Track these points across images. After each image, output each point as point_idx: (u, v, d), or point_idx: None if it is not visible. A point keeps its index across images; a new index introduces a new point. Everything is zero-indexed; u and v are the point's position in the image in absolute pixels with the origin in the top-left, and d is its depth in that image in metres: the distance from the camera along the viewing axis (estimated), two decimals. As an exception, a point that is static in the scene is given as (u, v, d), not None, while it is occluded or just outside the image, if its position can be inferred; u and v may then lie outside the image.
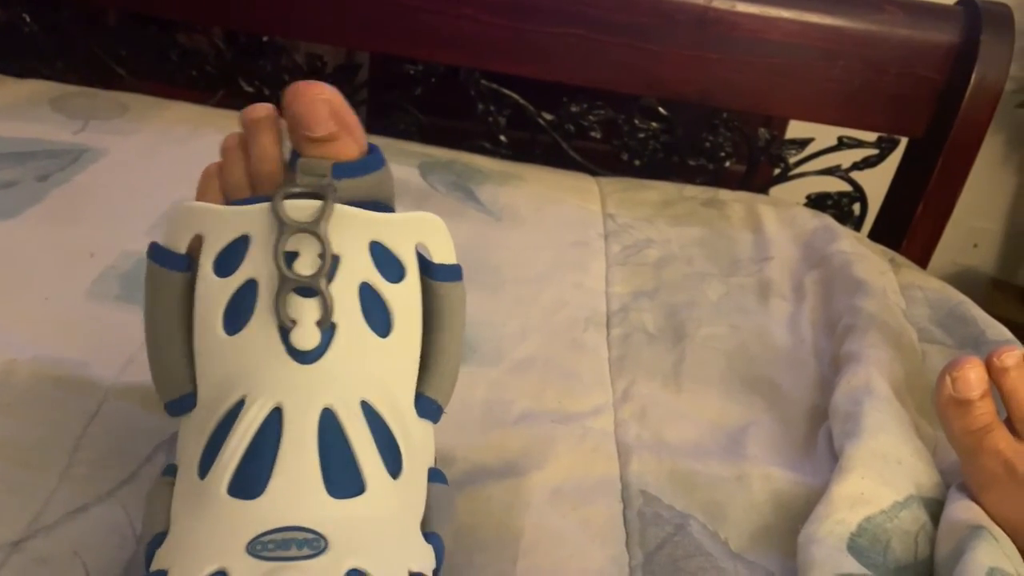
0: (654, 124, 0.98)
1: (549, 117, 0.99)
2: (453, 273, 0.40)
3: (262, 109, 0.40)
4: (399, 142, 0.90)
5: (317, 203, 0.36)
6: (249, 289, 0.36)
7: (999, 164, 1.77)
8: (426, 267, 0.39)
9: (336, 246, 0.36)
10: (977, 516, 0.45)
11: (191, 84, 1.01)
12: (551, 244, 0.75)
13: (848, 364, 0.58)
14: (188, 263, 0.38)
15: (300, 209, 0.36)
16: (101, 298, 0.58)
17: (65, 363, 0.52)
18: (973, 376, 0.47)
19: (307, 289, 0.35)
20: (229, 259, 0.37)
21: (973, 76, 0.86)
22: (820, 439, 0.55)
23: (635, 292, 0.70)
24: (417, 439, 0.38)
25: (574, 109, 0.98)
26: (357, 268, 0.37)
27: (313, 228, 0.35)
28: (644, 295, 0.70)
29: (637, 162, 0.99)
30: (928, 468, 0.50)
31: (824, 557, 0.44)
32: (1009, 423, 0.48)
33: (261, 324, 0.36)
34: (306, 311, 0.35)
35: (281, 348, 0.35)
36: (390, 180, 0.41)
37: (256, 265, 0.36)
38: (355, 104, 1.05)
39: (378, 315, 0.37)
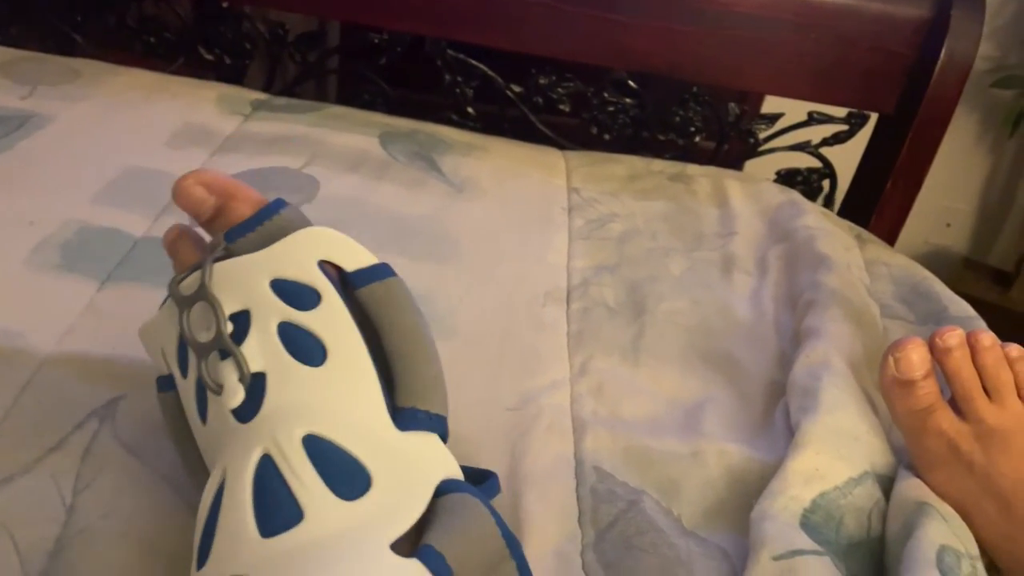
0: (627, 100, 0.96)
1: (517, 89, 0.97)
2: (373, 274, 0.38)
3: (172, 231, 0.43)
4: (362, 112, 0.88)
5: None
6: (201, 382, 0.37)
7: (972, 144, 1.77)
8: (345, 280, 0.38)
9: (240, 300, 0.37)
10: (925, 494, 0.45)
11: (150, 52, 0.99)
12: (513, 217, 0.73)
13: (808, 339, 0.57)
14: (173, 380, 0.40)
15: (192, 284, 0.38)
16: (40, 267, 0.56)
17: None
18: (916, 357, 0.46)
19: (226, 352, 0.36)
20: (183, 359, 0.39)
21: (943, 51, 0.85)
22: (777, 415, 0.54)
23: (597, 266, 0.69)
24: (403, 454, 0.36)
25: (543, 81, 0.96)
26: (268, 312, 0.37)
27: (200, 294, 0.37)
28: (606, 269, 0.68)
29: (607, 136, 0.98)
30: (884, 446, 0.50)
31: (776, 533, 0.43)
32: (953, 403, 0.47)
33: (214, 402, 0.37)
34: (228, 372, 0.36)
35: (229, 416, 0.36)
36: (300, 218, 0.40)
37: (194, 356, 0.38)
38: (325, 73, 1.03)
39: (308, 347, 0.36)
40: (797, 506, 0.44)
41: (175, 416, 0.40)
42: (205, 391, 0.37)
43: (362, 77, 0.99)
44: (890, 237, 0.92)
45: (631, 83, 0.96)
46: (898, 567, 0.41)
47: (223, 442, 0.36)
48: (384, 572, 0.31)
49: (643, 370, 0.58)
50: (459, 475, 0.38)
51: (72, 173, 0.66)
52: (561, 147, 0.93)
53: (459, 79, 0.97)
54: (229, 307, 0.37)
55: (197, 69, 0.98)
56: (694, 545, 0.45)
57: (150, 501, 0.42)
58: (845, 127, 0.95)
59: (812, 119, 0.95)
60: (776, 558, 0.42)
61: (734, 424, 0.54)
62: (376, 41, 0.96)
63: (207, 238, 0.42)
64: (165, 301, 0.41)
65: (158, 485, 0.43)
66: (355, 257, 0.38)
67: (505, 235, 0.71)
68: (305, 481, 0.33)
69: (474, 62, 0.96)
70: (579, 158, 0.87)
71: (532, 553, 0.44)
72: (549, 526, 0.46)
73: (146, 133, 0.73)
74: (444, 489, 0.36)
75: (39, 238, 0.58)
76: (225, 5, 0.95)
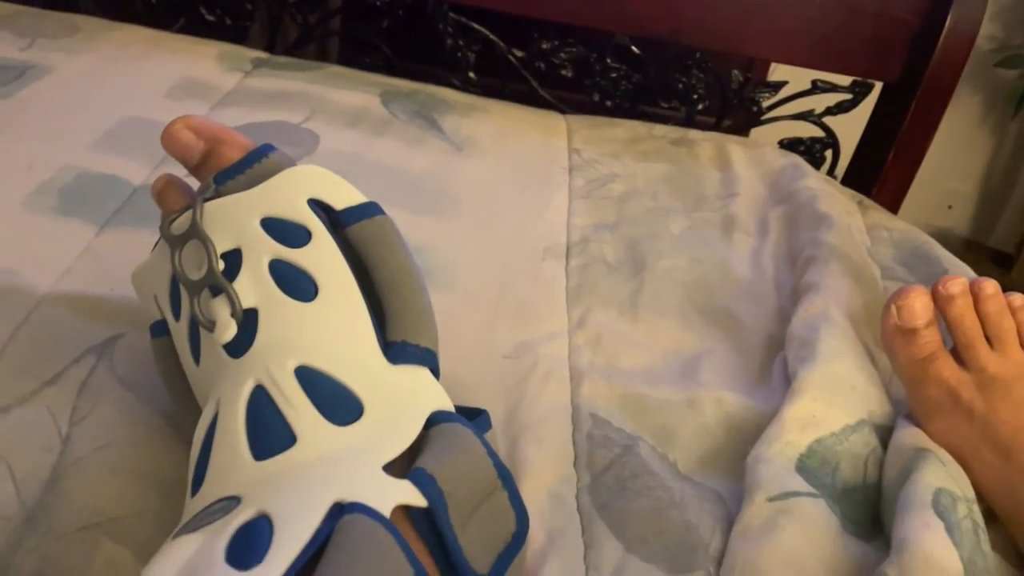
0: (627, 65, 0.96)
1: (519, 54, 0.96)
2: (362, 212, 0.39)
3: (159, 181, 0.42)
4: (363, 73, 0.88)
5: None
6: (194, 319, 0.38)
7: (976, 125, 1.76)
8: (334, 219, 0.38)
9: (231, 239, 0.37)
10: (924, 441, 0.45)
11: (150, 12, 0.98)
12: (513, 175, 0.73)
13: (807, 293, 0.57)
14: (167, 325, 0.40)
15: (183, 223, 0.38)
16: (38, 209, 0.56)
17: (-5, 272, 0.50)
18: (919, 305, 0.46)
19: (218, 288, 0.36)
20: (175, 301, 0.39)
21: (949, 19, 0.85)
22: (775, 368, 0.54)
23: (596, 224, 0.69)
24: (394, 385, 0.36)
25: (545, 46, 0.96)
26: (260, 250, 0.37)
27: (192, 232, 0.37)
28: (605, 227, 0.68)
29: (608, 103, 0.97)
30: (881, 396, 0.50)
31: (772, 476, 0.43)
32: (955, 352, 0.47)
33: (207, 342, 0.37)
34: (220, 308, 0.36)
35: (221, 351, 0.36)
36: (288, 162, 0.40)
37: (186, 295, 0.38)
38: (326, 35, 1.02)
39: (299, 283, 0.37)
40: (793, 451, 0.44)
41: (168, 362, 0.41)
42: (198, 332, 0.38)
43: (363, 41, 0.99)
44: (892, 207, 0.92)
45: (634, 49, 0.95)
46: (894, 510, 0.41)
47: (217, 379, 0.36)
48: (376, 490, 0.31)
49: (641, 324, 0.58)
50: (451, 408, 0.38)
51: (70, 121, 0.66)
52: (562, 113, 0.92)
53: (461, 43, 0.96)
54: (220, 246, 0.37)
55: (198, 30, 0.97)
56: (688, 488, 0.45)
57: (146, 433, 0.42)
58: (849, 96, 0.95)
59: (816, 87, 0.94)
60: (771, 499, 0.42)
61: (732, 375, 0.54)
62: (378, 3, 0.95)
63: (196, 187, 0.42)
64: (156, 244, 0.41)
65: (154, 418, 0.43)
66: (344, 195, 0.39)
67: (505, 192, 0.71)
68: (298, 407, 0.34)
69: (476, 25, 0.95)
70: (580, 121, 0.86)
71: (527, 495, 0.44)
72: (544, 469, 0.46)
73: (145, 85, 0.73)
74: (435, 420, 0.36)
75: (37, 182, 0.58)
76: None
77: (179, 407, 0.41)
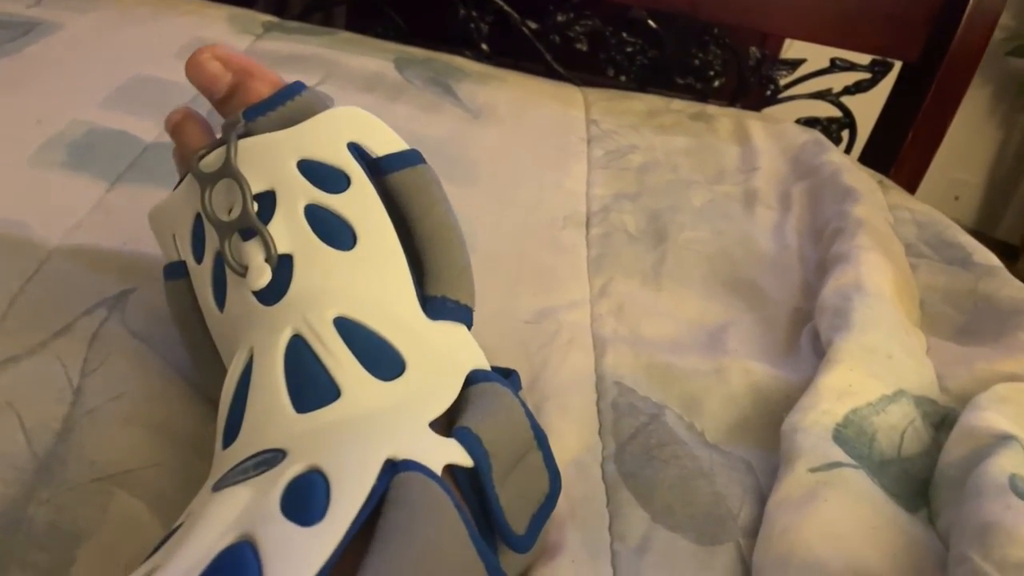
0: (642, 40, 0.94)
1: (534, 26, 0.95)
2: (404, 159, 0.37)
3: (177, 113, 0.40)
4: (376, 40, 0.86)
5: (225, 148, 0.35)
6: (219, 265, 0.36)
7: (984, 117, 1.75)
8: (374, 164, 0.36)
9: (265, 179, 0.35)
10: (1004, 425, 0.42)
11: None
12: (531, 144, 0.72)
13: (837, 263, 0.55)
14: (185, 267, 0.38)
15: (213, 161, 0.36)
16: (46, 164, 0.54)
17: (5, 224, 0.48)
18: None
19: (250, 231, 0.34)
20: (198, 242, 0.37)
21: (972, -2, 0.83)
22: (803, 339, 0.53)
23: (617, 194, 0.67)
24: (434, 341, 0.35)
25: (560, 18, 0.94)
26: (295, 193, 0.35)
27: (225, 171, 0.35)
28: (626, 198, 0.67)
29: (623, 78, 0.96)
30: (919, 367, 0.48)
31: (811, 446, 0.42)
32: None
33: (234, 285, 0.35)
34: (253, 252, 0.34)
35: (251, 298, 0.34)
36: (320, 103, 0.38)
37: (213, 234, 0.36)
38: (335, 4, 1.00)
39: (336, 230, 0.35)
40: (829, 420, 0.43)
41: (184, 305, 0.39)
42: (224, 276, 0.36)
43: (372, 11, 0.97)
44: (909, 189, 0.91)
45: (651, 22, 0.93)
46: (953, 492, 0.40)
47: (245, 326, 0.35)
48: (426, 448, 0.30)
49: (665, 294, 0.57)
50: (487, 367, 0.37)
51: (80, 78, 0.64)
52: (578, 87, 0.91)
53: (474, 14, 0.95)
54: (253, 186, 0.35)
55: (205, -3, 0.95)
56: (717, 457, 0.44)
57: (160, 385, 0.40)
58: (868, 75, 0.93)
59: (835, 66, 0.93)
60: (813, 470, 0.40)
61: (758, 346, 0.52)
62: (391, -30, 0.93)
63: (214, 125, 0.40)
64: (180, 183, 0.39)
65: (167, 370, 0.41)
66: (386, 141, 0.37)
67: (522, 161, 0.69)
68: (340, 359, 0.32)
69: (491, -5, 0.94)
70: (597, 93, 0.85)
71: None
72: (569, 437, 0.44)
73: (155, 44, 0.71)
74: (474, 378, 0.35)
75: (46, 136, 0.56)
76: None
77: (193, 352, 0.39)
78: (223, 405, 0.33)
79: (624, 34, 0.94)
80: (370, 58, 0.78)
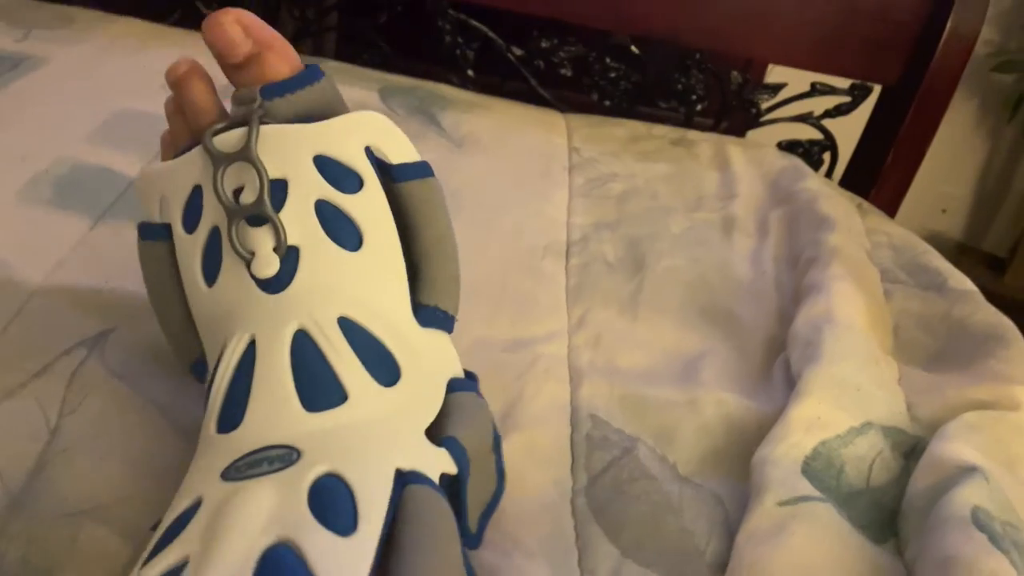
0: (626, 65, 0.95)
1: (519, 52, 0.96)
2: (417, 170, 0.38)
3: (182, 64, 0.39)
4: (361, 69, 0.87)
5: (244, 130, 0.35)
6: (215, 237, 0.36)
7: (971, 130, 1.77)
8: (386, 170, 0.37)
9: (279, 168, 0.35)
10: (969, 456, 0.43)
11: (146, 4, 0.97)
12: (512, 173, 0.73)
13: (810, 294, 0.56)
14: (167, 230, 0.38)
15: (230, 140, 0.35)
16: (32, 201, 0.55)
17: (-12, 263, 0.49)
18: None
19: (260, 218, 0.35)
20: (192, 212, 0.37)
21: (948, 22, 0.85)
22: (776, 369, 0.53)
23: (596, 223, 0.68)
24: (424, 349, 0.37)
25: (544, 45, 0.95)
26: (308, 186, 0.35)
27: (243, 155, 0.34)
28: (606, 226, 0.68)
29: (607, 103, 0.97)
30: (889, 397, 0.49)
31: (780, 479, 0.43)
32: None
33: (231, 266, 0.35)
34: (261, 240, 0.34)
35: (251, 283, 0.35)
36: (334, 92, 0.38)
37: (213, 211, 0.36)
38: (324, 30, 1.01)
39: (344, 230, 0.36)
40: (798, 452, 0.44)
41: (161, 268, 0.39)
42: (218, 252, 0.36)
43: (361, 37, 0.98)
44: (889, 210, 0.92)
45: (634, 48, 0.95)
46: (920, 522, 0.41)
47: (240, 309, 0.35)
48: (421, 454, 0.32)
49: (641, 323, 0.58)
50: (461, 373, 0.40)
51: (65, 113, 0.65)
52: (561, 112, 0.92)
53: (460, 41, 0.96)
54: (268, 172, 0.35)
55: (194, 23, 0.96)
56: (687, 491, 0.45)
57: (138, 422, 0.41)
58: (848, 99, 0.94)
59: (815, 90, 0.94)
60: (781, 503, 0.41)
61: (732, 376, 0.53)
62: (377, -2, 0.95)
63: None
64: (183, 152, 0.38)
65: (146, 407, 0.42)
66: (401, 150, 0.38)
67: (504, 189, 0.70)
68: (345, 360, 0.33)
69: (475, 23, 0.95)
70: (580, 119, 0.86)
71: (521, 495, 0.43)
72: (541, 470, 0.45)
73: (141, 77, 0.72)
74: (453, 387, 0.38)
75: (31, 173, 0.57)
76: (224, -43, 0.94)
77: (164, 316, 0.40)
78: (218, 388, 0.34)
79: (607, 59, 0.95)
80: (355, 88, 0.79)
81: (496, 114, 0.82)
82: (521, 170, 0.73)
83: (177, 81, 0.39)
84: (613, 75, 0.96)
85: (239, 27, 0.36)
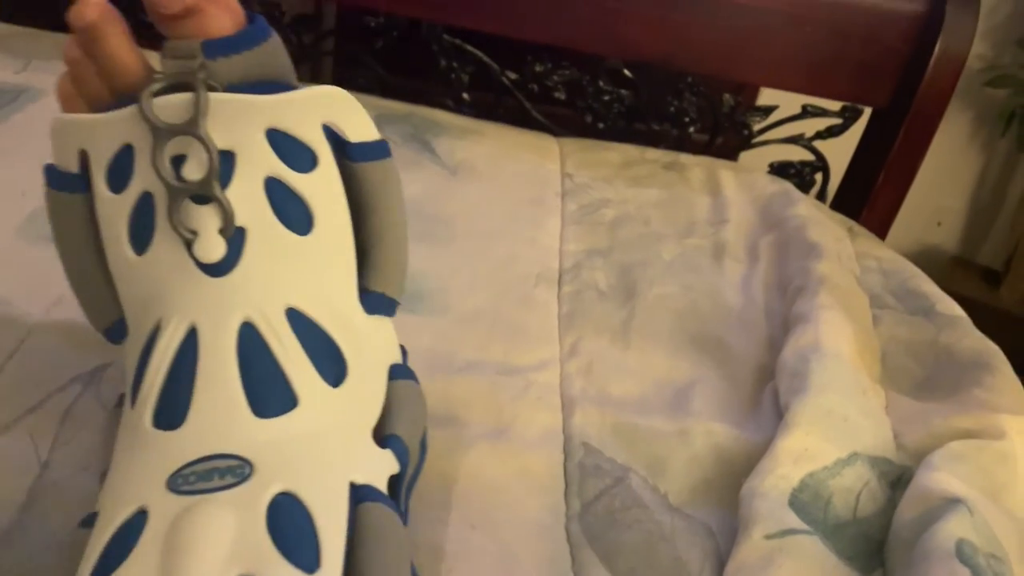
0: (622, 90, 0.96)
1: (513, 76, 0.97)
2: (375, 150, 0.36)
3: (92, 7, 0.33)
4: (356, 94, 0.88)
5: (189, 97, 0.31)
6: (146, 203, 0.33)
7: (965, 143, 1.78)
8: (343, 148, 0.35)
9: (227, 140, 0.32)
10: (955, 488, 0.44)
11: (141, 31, 0.98)
12: (506, 200, 0.74)
13: (797, 324, 0.57)
14: (84, 182, 0.35)
15: (172, 107, 0.31)
16: (31, 238, 0.56)
17: (-12, 300, 0.50)
18: None
19: (204, 197, 0.32)
20: (119, 172, 0.33)
21: (937, 46, 0.86)
22: (765, 398, 0.54)
23: (589, 250, 0.69)
24: (368, 338, 0.36)
25: (538, 69, 0.96)
26: (257, 161, 0.32)
27: (190, 129, 0.31)
28: (598, 253, 0.69)
29: (601, 125, 0.98)
30: (875, 427, 0.50)
31: (767, 512, 0.43)
32: None
33: (165, 238, 0.32)
34: (206, 220, 0.32)
35: (190, 262, 0.32)
36: (283, 53, 0.35)
37: (146, 176, 0.32)
38: (320, 55, 1.02)
39: (294, 211, 0.33)
40: (786, 484, 0.45)
41: (75, 223, 0.35)
42: (150, 219, 0.33)
43: (357, 61, 0.99)
44: (881, 231, 0.93)
45: (626, 72, 0.96)
46: (906, 554, 0.42)
47: (177, 287, 0.32)
48: (374, 465, 0.32)
49: (633, 352, 0.59)
50: (400, 358, 0.40)
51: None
52: (555, 135, 0.93)
53: (455, 65, 0.97)
54: (214, 142, 0.32)
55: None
56: (679, 521, 0.46)
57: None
58: (839, 121, 0.96)
59: (806, 112, 0.95)
60: (768, 536, 0.42)
61: (722, 405, 0.54)
62: (372, 24, 0.96)
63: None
64: (113, 109, 0.33)
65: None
66: (360, 128, 0.35)
67: (498, 217, 0.71)
68: (294, 360, 0.32)
69: (470, 48, 0.96)
70: (573, 144, 0.87)
71: (514, 521, 0.44)
72: (535, 495, 0.46)
73: (140, 108, 0.73)
74: (393, 374, 0.38)
75: (31, 208, 0.58)
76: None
77: (76, 275, 0.37)
78: (154, 376, 0.32)
79: (601, 83, 0.96)
80: (350, 115, 0.80)
81: (490, 140, 0.83)
82: (515, 197, 0.74)
83: (88, 28, 0.33)
84: (607, 98, 0.97)
85: None
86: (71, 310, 0.51)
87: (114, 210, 0.34)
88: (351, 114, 0.35)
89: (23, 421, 0.43)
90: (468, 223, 0.69)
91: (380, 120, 0.81)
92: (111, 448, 0.35)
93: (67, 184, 0.35)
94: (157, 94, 0.31)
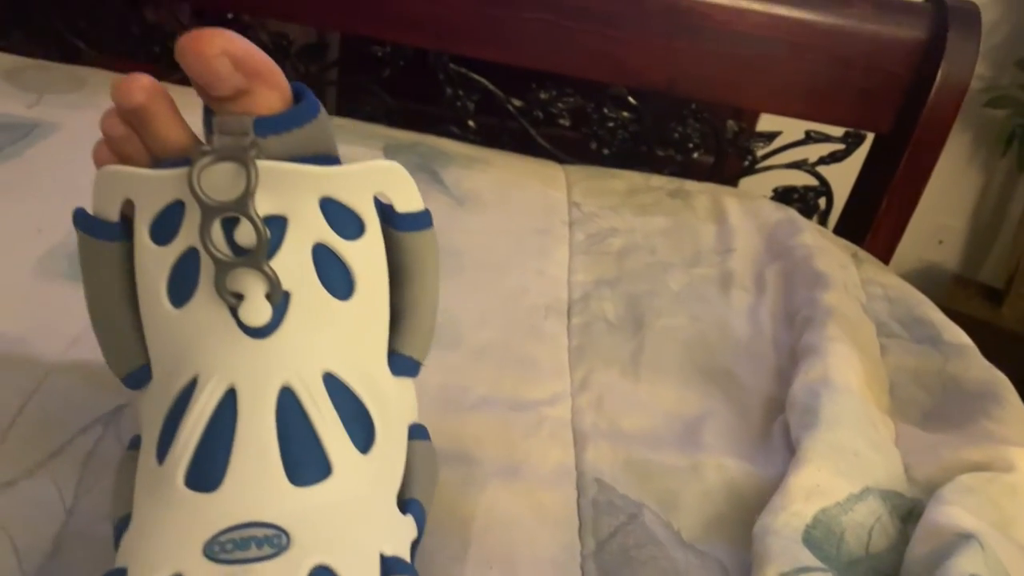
0: (624, 114, 0.98)
1: (518, 103, 0.98)
2: (420, 221, 0.37)
3: (138, 92, 0.33)
4: (363, 124, 0.89)
5: (239, 168, 0.32)
6: (191, 258, 0.33)
7: (965, 162, 1.79)
8: (388, 216, 0.36)
9: (281, 205, 0.33)
10: (966, 523, 0.44)
11: (153, 60, 0.99)
12: (514, 230, 0.74)
13: (806, 356, 0.57)
14: (123, 231, 0.35)
15: (223, 176, 0.32)
16: (48, 275, 0.57)
17: (7, 339, 0.51)
18: None
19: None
20: (166, 225, 0.34)
21: (939, 73, 0.87)
22: (775, 431, 0.55)
23: (597, 281, 0.70)
24: (393, 399, 0.37)
25: (543, 96, 0.97)
26: (308, 228, 0.33)
27: (239, 208, 0.32)
28: (606, 284, 0.69)
29: (606, 151, 0.99)
30: (886, 461, 0.50)
31: (781, 550, 0.44)
32: None
33: (208, 296, 0.33)
34: (253, 284, 0.32)
35: (231, 322, 0.33)
36: (329, 128, 0.36)
37: (194, 233, 0.33)
38: (324, 84, 1.03)
39: (337, 277, 0.35)
40: (799, 521, 0.45)
41: (111, 271, 0.36)
42: (194, 273, 0.33)
43: (364, 89, 1.00)
44: (885, 256, 0.94)
45: (630, 99, 0.97)
46: None
47: (215, 344, 0.33)
48: (397, 532, 0.33)
49: (643, 384, 0.59)
50: (416, 418, 0.41)
51: (79, 182, 0.66)
52: (561, 161, 0.94)
53: (460, 92, 0.98)
54: (264, 206, 0.32)
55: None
56: (692, 558, 0.46)
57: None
58: (842, 146, 0.96)
59: (809, 138, 0.96)
60: (783, 575, 0.42)
61: (733, 439, 0.54)
62: (379, 54, 0.97)
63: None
64: (162, 165, 0.34)
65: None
66: (409, 199, 0.36)
67: (506, 247, 0.72)
68: (330, 428, 0.33)
69: (475, 76, 0.97)
70: (579, 172, 0.88)
71: (531, 559, 0.44)
72: (550, 532, 0.46)
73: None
74: (411, 433, 0.39)
75: (47, 246, 0.59)
76: (231, 16, 0.96)
77: (105, 323, 0.37)
78: (189, 435, 0.32)
79: (605, 109, 0.97)
80: (359, 147, 0.81)
81: (496, 168, 0.84)
82: (522, 227, 0.75)
83: (135, 111, 0.34)
84: (611, 124, 0.98)
85: (227, 59, 0.31)
86: (89, 349, 0.51)
87: (155, 262, 0.34)
88: (402, 186, 0.36)
89: (47, 465, 0.43)
90: (477, 254, 0.69)
91: (388, 150, 0.82)
92: (124, 492, 0.35)
93: (104, 232, 0.36)
94: (206, 162, 0.32)
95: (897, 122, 0.91)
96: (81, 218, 0.36)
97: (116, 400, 0.48)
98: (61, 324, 0.53)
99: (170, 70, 0.98)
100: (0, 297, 0.54)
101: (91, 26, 0.98)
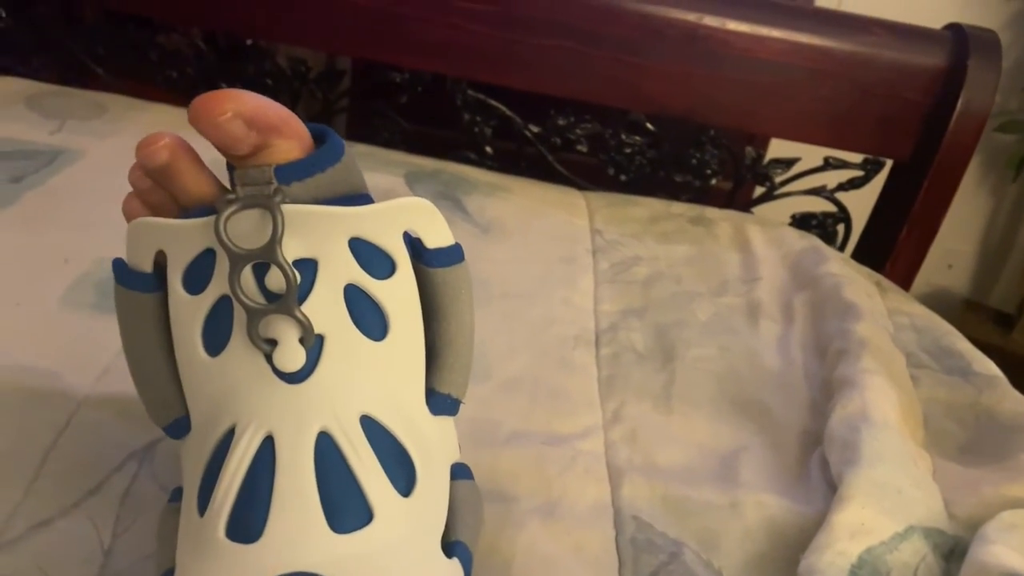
0: (641, 139, 0.97)
1: (535, 129, 0.98)
2: (451, 256, 0.36)
3: (162, 152, 0.34)
4: (384, 151, 0.89)
5: (267, 217, 0.32)
6: (224, 306, 0.33)
7: (975, 186, 1.79)
8: (419, 253, 0.36)
9: (310, 248, 0.33)
10: (1011, 560, 0.43)
11: (170, 86, 0.99)
12: (539, 259, 0.74)
13: (842, 389, 0.57)
14: (157, 281, 0.35)
15: (250, 224, 0.32)
16: (76, 306, 0.56)
17: (37, 373, 0.50)
18: None
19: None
20: (198, 274, 0.34)
21: (960, 101, 0.87)
22: (812, 465, 0.54)
23: (624, 310, 0.69)
24: (434, 440, 0.36)
25: (561, 122, 0.97)
26: (339, 269, 0.33)
27: (267, 255, 0.32)
28: (633, 313, 0.69)
29: (623, 177, 0.99)
30: (927, 498, 0.50)
31: (826, 590, 0.43)
32: None
33: (242, 343, 0.33)
34: (286, 330, 0.32)
35: (267, 368, 0.33)
36: (355, 168, 0.36)
37: (226, 281, 0.33)
38: (336, 112, 1.03)
39: (371, 317, 0.34)
40: (844, 561, 0.44)
41: (145, 322, 0.36)
42: (228, 321, 0.33)
43: (381, 114, 1.00)
44: (904, 283, 0.93)
45: (648, 125, 0.97)
46: None
47: (251, 392, 0.33)
48: (442, 574, 0.33)
49: (676, 417, 0.58)
50: (458, 456, 0.40)
51: (104, 210, 0.65)
52: (579, 186, 0.94)
53: (478, 118, 0.98)
54: (294, 251, 0.32)
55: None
56: (737, 599, 0.45)
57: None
58: (860, 173, 0.96)
59: (828, 164, 0.96)
60: (828, 615, 0.41)
61: (769, 474, 0.54)
62: (397, 80, 0.97)
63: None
64: (191, 214, 0.34)
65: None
66: (439, 235, 0.36)
67: (531, 277, 0.71)
68: (370, 472, 0.32)
69: (493, 102, 0.97)
70: (599, 199, 0.87)
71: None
72: (590, 573, 0.46)
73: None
74: (454, 473, 0.38)
75: (74, 276, 0.58)
76: (249, 43, 0.96)
77: (144, 374, 0.37)
78: (229, 485, 0.32)
79: (623, 136, 0.97)
80: (381, 174, 0.81)
81: (518, 196, 0.84)
82: (547, 255, 0.74)
83: (162, 170, 0.34)
84: (628, 150, 0.98)
85: (240, 121, 0.31)
86: (119, 380, 0.51)
87: (189, 311, 0.34)
88: (431, 221, 0.36)
89: (84, 504, 0.42)
90: (503, 285, 0.69)
91: (409, 177, 0.82)
92: (166, 547, 0.35)
93: (139, 284, 0.36)
94: (232, 211, 0.32)
95: (916, 149, 0.91)
96: (119, 270, 0.36)
97: (149, 435, 0.47)
98: (90, 356, 0.52)
99: (184, 96, 0.98)
100: (28, 330, 0.54)
101: (108, 52, 0.98)
